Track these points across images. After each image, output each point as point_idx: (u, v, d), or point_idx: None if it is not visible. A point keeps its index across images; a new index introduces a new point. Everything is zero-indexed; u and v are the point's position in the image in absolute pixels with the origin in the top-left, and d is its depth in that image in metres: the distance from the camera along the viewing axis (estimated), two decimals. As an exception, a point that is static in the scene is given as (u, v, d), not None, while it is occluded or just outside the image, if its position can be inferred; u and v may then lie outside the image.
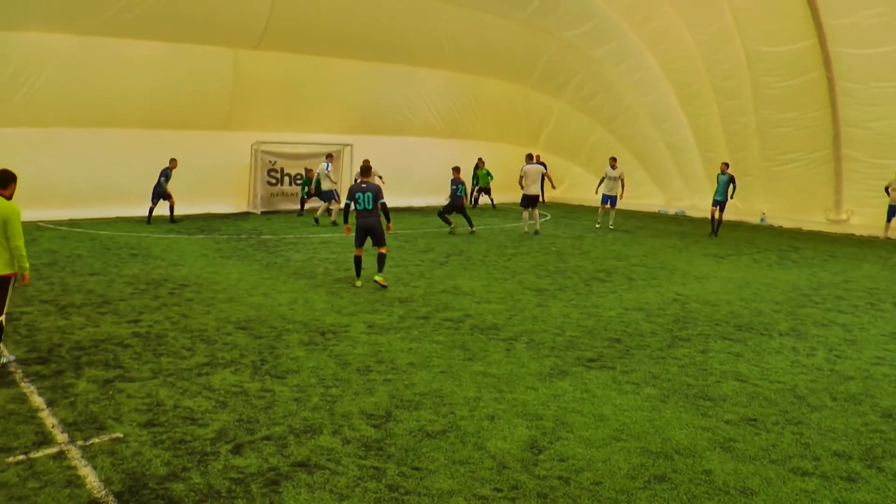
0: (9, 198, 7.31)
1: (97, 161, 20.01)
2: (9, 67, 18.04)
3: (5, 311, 7.39)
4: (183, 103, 20.90)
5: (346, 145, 24.37)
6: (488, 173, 27.16)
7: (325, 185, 21.13)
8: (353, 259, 12.18)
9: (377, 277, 11.92)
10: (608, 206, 21.32)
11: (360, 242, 11.99)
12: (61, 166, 19.35)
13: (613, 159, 21.60)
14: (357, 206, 11.70)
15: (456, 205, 19.32)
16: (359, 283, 11.92)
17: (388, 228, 12.25)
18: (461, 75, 26.07)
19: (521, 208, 19.91)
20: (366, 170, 12.07)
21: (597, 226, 21.43)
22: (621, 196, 21.40)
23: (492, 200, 27.42)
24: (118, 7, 17.89)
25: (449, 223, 19.52)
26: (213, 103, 21.58)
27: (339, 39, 21.84)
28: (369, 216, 11.74)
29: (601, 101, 26.33)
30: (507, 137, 29.27)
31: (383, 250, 12.05)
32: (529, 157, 20.58)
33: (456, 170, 19.79)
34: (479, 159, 27.23)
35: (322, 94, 23.47)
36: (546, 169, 21.08)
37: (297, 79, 22.54)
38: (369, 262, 12.85)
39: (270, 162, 23.10)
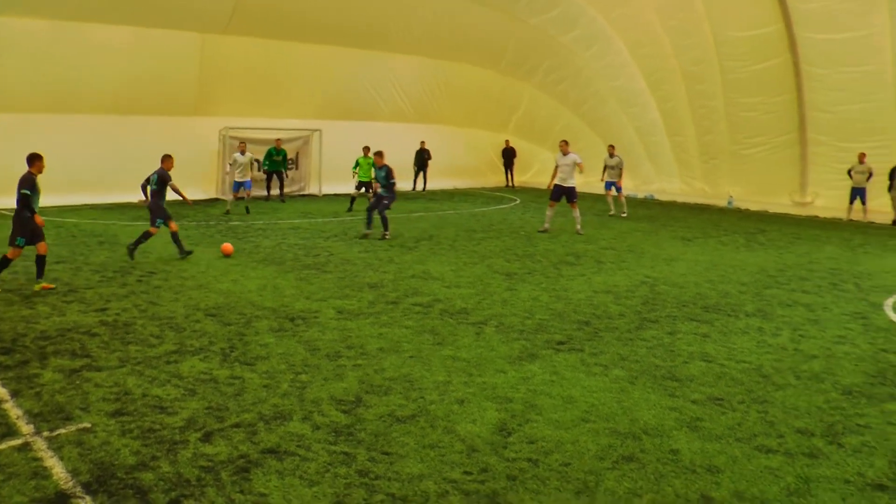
0: None
1: (64, 147, 19.52)
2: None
3: None
4: (151, 89, 20.63)
5: (316, 130, 24.24)
6: (373, 165, 18.01)
7: (243, 176, 19.97)
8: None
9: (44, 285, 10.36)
10: (613, 191, 21.16)
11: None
12: (27, 152, 18.98)
13: (612, 147, 21.52)
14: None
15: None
16: None
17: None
18: (432, 60, 25.99)
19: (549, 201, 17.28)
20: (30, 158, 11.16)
21: (610, 214, 21.10)
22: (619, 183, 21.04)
23: (351, 199, 21.55)
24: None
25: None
26: (181, 88, 21.32)
27: (308, 24, 21.64)
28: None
29: (569, 85, 26.44)
30: (478, 122, 29.28)
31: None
32: (564, 144, 17.18)
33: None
34: (365, 147, 21.07)
35: (291, 79, 23.28)
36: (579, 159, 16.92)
37: (266, 64, 22.31)
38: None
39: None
